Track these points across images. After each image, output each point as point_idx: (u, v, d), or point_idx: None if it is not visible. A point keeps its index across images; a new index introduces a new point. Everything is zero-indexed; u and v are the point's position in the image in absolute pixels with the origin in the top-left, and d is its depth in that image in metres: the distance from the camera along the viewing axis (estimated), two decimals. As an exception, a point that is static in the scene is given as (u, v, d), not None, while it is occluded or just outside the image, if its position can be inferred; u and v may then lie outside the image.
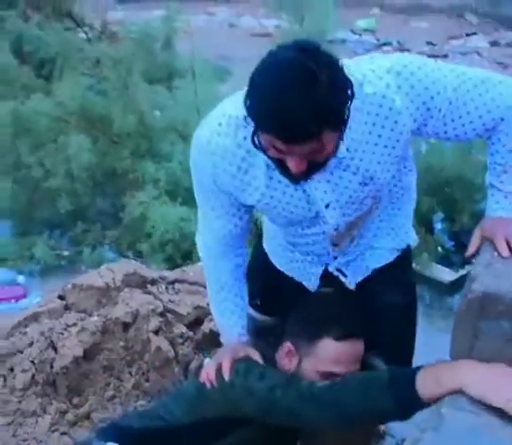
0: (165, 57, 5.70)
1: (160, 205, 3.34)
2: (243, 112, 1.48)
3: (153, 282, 2.77)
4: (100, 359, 2.56)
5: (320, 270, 1.96)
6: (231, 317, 1.92)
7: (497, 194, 1.70)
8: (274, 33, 9.72)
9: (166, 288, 2.79)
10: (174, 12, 5.85)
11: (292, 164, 1.45)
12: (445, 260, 3.81)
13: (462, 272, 3.63)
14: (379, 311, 1.92)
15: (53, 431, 2.42)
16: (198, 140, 1.66)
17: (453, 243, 3.88)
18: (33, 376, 2.49)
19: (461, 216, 3.87)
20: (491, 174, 1.73)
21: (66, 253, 3.75)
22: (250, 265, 1.99)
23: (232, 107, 1.60)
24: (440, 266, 3.74)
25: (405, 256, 2.00)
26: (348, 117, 1.41)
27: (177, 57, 5.67)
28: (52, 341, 2.53)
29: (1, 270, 3.61)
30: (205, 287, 2.08)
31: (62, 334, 2.55)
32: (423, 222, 3.89)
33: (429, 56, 9.17)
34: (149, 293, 2.71)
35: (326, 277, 1.98)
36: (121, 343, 2.58)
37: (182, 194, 3.46)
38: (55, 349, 2.52)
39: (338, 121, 1.39)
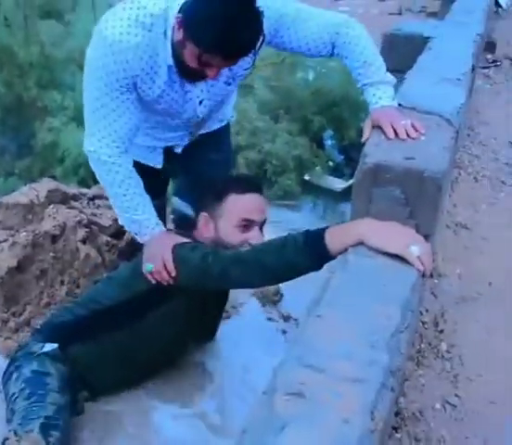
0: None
1: (71, 130, 3.49)
2: (149, 19, 1.85)
3: (75, 197, 2.91)
4: (33, 269, 2.66)
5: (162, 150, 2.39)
6: (145, 209, 2.14)
7: (369, 89, 2.05)
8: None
9: (87, 203, 2.95)
10: None
11: (212, 73, 1.85)
12: (336, 172, 4.13)
13: (351, 181, 3.88)
14: (201, 164, 2.46)
15: (-3, 337, 2.55)
16: (107, 40, 1.86)
17: (342, 157, 4.20)
18: (-30, 290, 2.60)
19: (349, 132, 4.19)
20: (357, 79, 2.08)
21: (-22, 184, 3.80)
22: None
23: (134, 12, 1.86)
24: (331, 177, 4.05)
25: (226, 126, 2.55)
26: None
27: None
28: (-15, 256, 2.61)
29: None
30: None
31: (-6, 249, 2.63)
32: (314, 139, 4.21)
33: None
34: (73, 208, 2.84)
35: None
36: (52, 254, 2.69)
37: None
38: (-12, 262, 2.61)
39: None
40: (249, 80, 4.41)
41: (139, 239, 2.20)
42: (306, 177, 3.98)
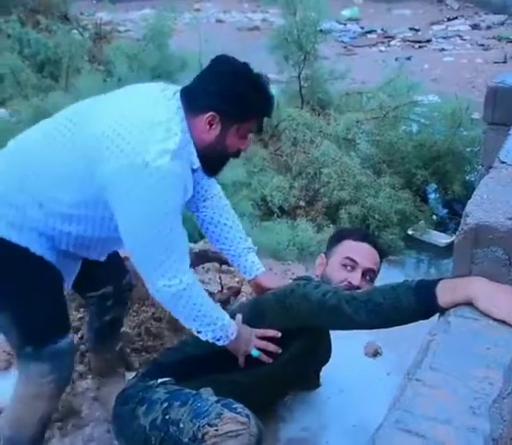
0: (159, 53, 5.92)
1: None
2: (179, 136, 1.88)
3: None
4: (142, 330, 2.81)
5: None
6: (218, 310, 2.13)
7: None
8: (261, 27, 10.01)
9: (195, 267, 2.99)
10: (167, 10, 6.01)
11: (246, 143, 2.04)
12: (440, 227, 4.08)
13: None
14: None
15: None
16: (163, 168, 1.83)
17: (446, 210, 4.14)
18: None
19: (452, 186, 4.14)
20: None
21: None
22: None
23: (167, 133, 1.87)
24: (435, 231, 4.00)
25: None
26: None
27: (171, 53, 5.87)
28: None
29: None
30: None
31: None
32: (418, 193, 4.19)
33: (413, 41, 9.46)
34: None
35: None
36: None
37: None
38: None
39: None
40: (352, 134, 4.46)
41: (226, 342, 2.13)
42: (409, 232, 3.95)
